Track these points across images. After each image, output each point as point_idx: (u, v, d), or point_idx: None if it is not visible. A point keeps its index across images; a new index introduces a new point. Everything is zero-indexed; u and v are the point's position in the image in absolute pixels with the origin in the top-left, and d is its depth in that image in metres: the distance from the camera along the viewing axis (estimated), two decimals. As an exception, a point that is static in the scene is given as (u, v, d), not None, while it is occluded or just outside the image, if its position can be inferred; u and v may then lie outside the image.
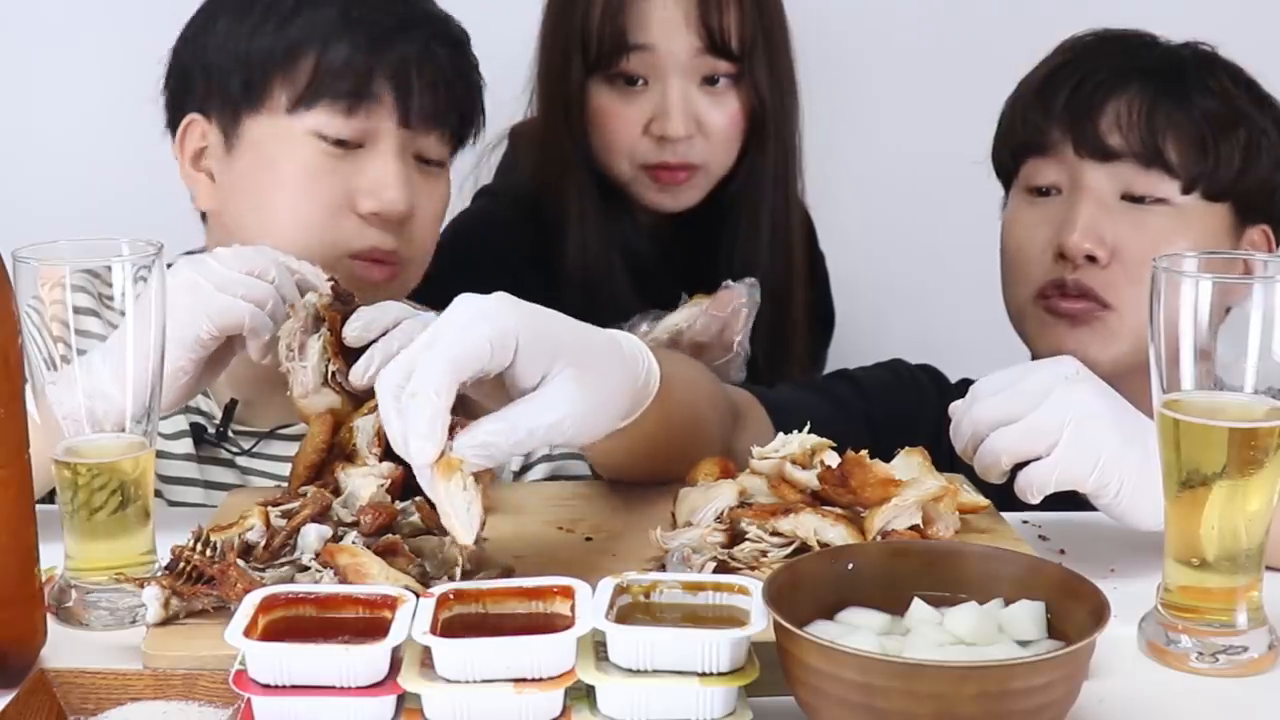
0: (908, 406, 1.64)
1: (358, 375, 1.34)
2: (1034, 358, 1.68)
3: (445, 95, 1.60)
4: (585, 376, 1.12)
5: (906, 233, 2.41)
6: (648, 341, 1.67)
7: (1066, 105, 1.60)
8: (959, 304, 2.07)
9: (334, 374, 1.34)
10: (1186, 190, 1.57)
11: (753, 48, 1.85)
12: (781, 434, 1.33)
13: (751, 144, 1.90)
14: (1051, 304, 1.62)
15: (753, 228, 1.92)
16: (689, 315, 1.77)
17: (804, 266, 1.99)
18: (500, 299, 1.12)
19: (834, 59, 2.28)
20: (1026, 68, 1.67)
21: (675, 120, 1.82)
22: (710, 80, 1.85)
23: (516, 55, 1.92)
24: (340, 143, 1.57)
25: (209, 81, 1.61)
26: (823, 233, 2.15)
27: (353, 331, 1.35)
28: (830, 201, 2.10)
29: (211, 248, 1.64)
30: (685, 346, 1.75)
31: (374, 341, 1.34)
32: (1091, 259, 1.58)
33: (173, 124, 1.65)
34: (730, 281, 1.81)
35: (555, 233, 1.90)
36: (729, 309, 1.76)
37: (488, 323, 1.09)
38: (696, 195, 1.89)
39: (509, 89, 1.91)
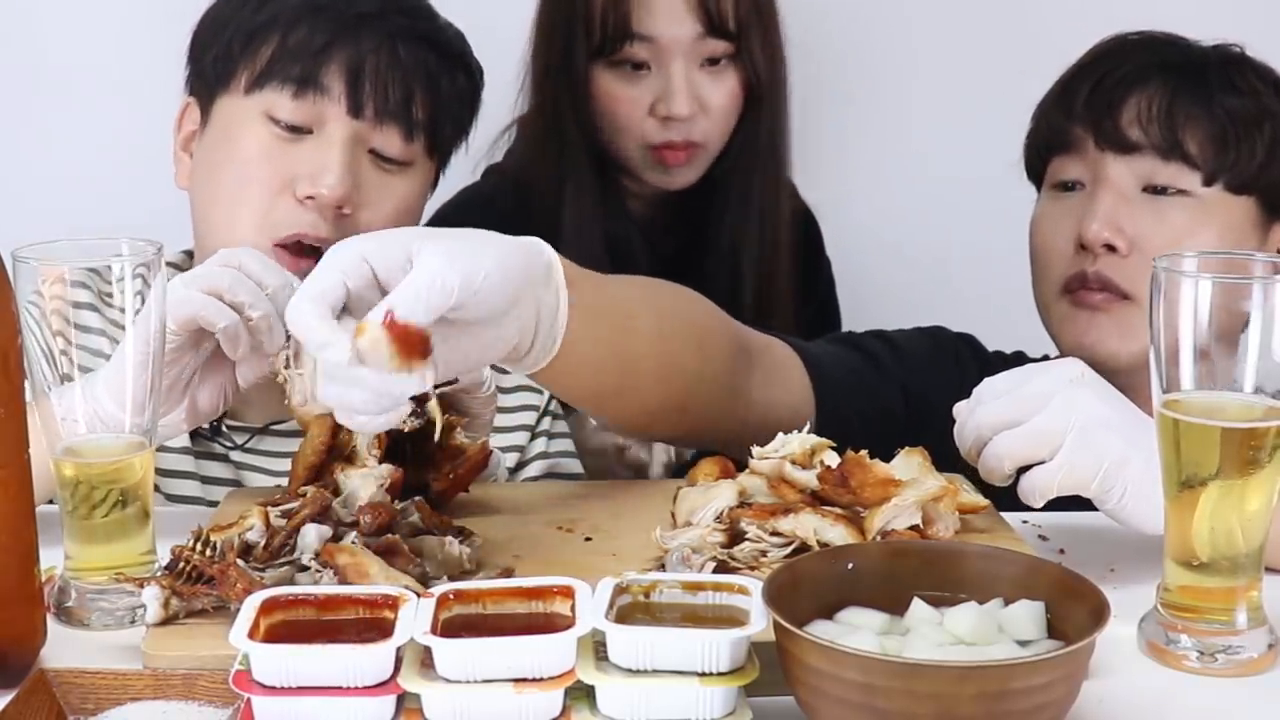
0: (945, 385, 1.61)
1: None
2: (1059, 351, 1.68)
3: (402, 92, 1.58)
4: (447, 239, 1.11)
5: (918, 232, 2.41)
6: None
7: (1088, 101, 1.61)
8: (970, 303, 2.07)
9: None
10: (1208, 182, 1.58)
11: (748, 24, 1.90)
12: (781, 434, 1.33)
13: (746, 118, 1.94)
14: (1075, 297, 1.62)
15: (744, 199, 1.97)
16: None
17: (790, 239, 2.03)
18: (354, 239, 1.12)
19: (844, 58, 2.28)
20: (1047, 68, 1.68)
21: (680, 101, 1.87)
22: (711, 61, 1.89)
23: (511, 43, 1.92)
24: (292, 128, 1.56)
25: (195, 63, 1.63)
26: (833, 232, 2.16)
27: None
28: (841, 200, 2.11)
29: (193, 230, 1.65)
30: None
31: None
32: (1111, 249, 1.58)
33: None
34: None
35: (544, 216, 1.92)
36: None
37: (337, 261, 1.10)
38: (695, 174, 1.95)
39: (505, 80, 1.92)
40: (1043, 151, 1.68)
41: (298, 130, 1.57)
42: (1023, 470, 1.27)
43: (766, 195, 1.97)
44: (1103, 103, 1.60)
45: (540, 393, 1.73)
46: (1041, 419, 1.25)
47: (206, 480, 1.60)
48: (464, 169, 1.80)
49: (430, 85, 1.60)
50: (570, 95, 1.90)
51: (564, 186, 1.92)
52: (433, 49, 1.61)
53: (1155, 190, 1.59)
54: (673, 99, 1.87)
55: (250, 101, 1.57)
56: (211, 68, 1.61)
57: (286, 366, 1.36)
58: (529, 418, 1.71)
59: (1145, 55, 1.63)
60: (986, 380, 1.33)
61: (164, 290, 1.20)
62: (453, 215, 2.00)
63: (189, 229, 1.66)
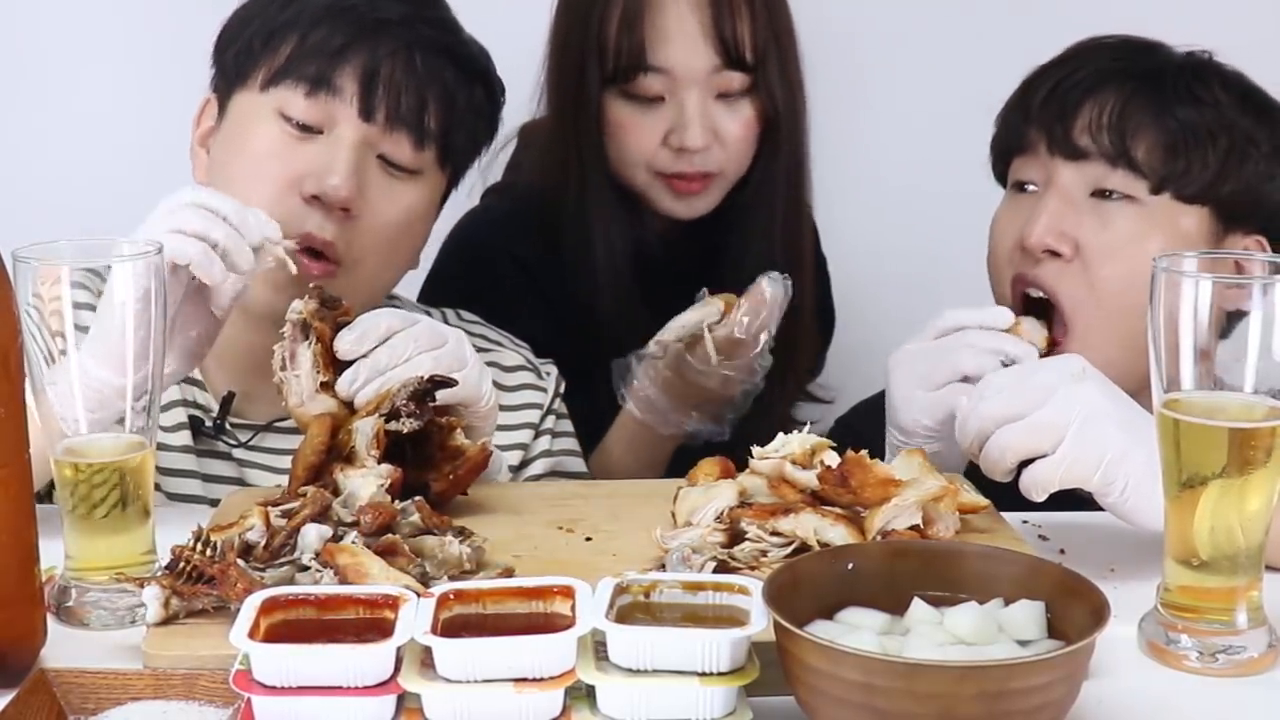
0: None
1: (344, 387, 1.35)
2: None
3: (415, 100, 1.58)
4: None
5: (907, 234, 2.40)
6: (655, 344, 1.66)
7: (1044, 105, 1.60)
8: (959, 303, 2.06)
9: (326, 382, 1.35)
10: (1156, 190, 1.55)
11: (765, 55, 1.84)
12: (781, 434, 1.33)
13: (764, 148, 1.89)
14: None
15: (765, 231, 1.91)
16: (706, 313, 1.68)
17: (812, 268, 1.98)
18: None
19: (836, 59, 2.27)
20: (1027, 72, 1.67)
21: (694, 132, 1.82)
22: (726, 93, 1.84)
23: (531, 53, 1.90)
24: (304, 127, 1.56)
25: (218, 60, 1.63)
26: (823, 233, 2.15)
27: (345, 344, 1.37)
28: (831, 201, 2.10)
29: None
30: (719, 343, 1.66)
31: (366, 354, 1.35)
32: (1054, 254, 1.57)
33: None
34: (765, 276, 1.71)
35: (565, 234, 1.90)
36: (764, 301, 1.66)
37: None
38: (711, 202, 1.89)
39: (523, 90, 1.90)
40: (1003, 153, 1.67)
41: (309, 130, 1.56)
42: (1024, 464, 1.27)
43: (789, 224, 1.92)
44: (1057, 108, 1.59)
45: (544, 390, 1.73)
46: (1043, 412, 1.26)
47: (208, 479, 1.60)
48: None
49: (445, 97, 1.60)
50: (581, 120, 1.85)
51: (587, 203, 1.89)
52: (452, 61, 1.61)
53: (1103, 195, 1.57)
54: (686, 131, 1.81)
55: (265, 98, 1.57)
56: (232, 63, 1.61)
57: (283, 368, 1.36)
58: (533, 416, 1.71)
59: (1107, 61, 1.61)
60: (988, 375, 1.33)
61: (165, 288, 1.20)
62: (469, 233, 1.96)
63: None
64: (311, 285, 1.39)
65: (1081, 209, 1.57)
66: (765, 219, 1.91)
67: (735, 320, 1.64)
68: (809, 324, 1.97)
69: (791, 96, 1.88)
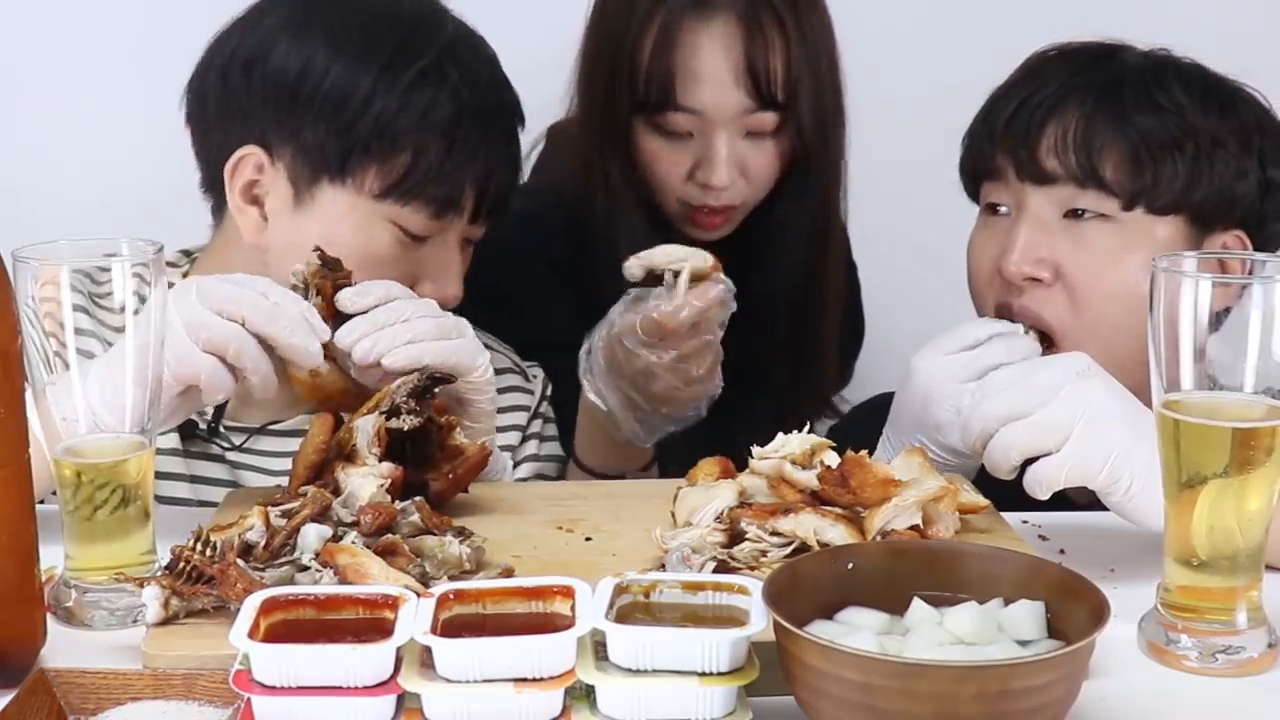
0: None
1: (343, 337, 1.36)
2: None
3: (505, 190, 1.63)
4: None
5: (905, 236, 2.40)
6: (633, 259, 1.50)
7: (1008, 130, 1.59)
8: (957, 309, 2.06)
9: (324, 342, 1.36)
10: (1128, 207, 1.54)
11: (797, 90, 1.79)
12: (781, 434, 1.33)
13: (789, 180, 1.86)
14: None
15: (784, 257, 1.88)
16: (689, 255, 1.51)
17: (837, 295, 1.94)
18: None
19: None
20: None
21: (720, 172, 1.79)
22: (757, 131, 1.81)
23: (558, 52, 1.90)
24: (418, 237, 1.58)
25: (296, 131, 1.55)
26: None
27: (347, 296, 1.38)
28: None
29: (214, 250, 1.65)
30: (644, 321, 1.49)
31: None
32: (1035, 280, 1.57)
33: (195, 116, 1.62)
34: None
35: (592, 237, 1.88)
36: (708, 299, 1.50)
37: None
38: (730, 228, 1.88)
39: (551, 89, 1.90)
40: (972, 176, 1.66)
41: (421, 238, 1.59)
42: (1028, 462, 1.27)
43: (811, 254, 1.89)
44: (1021, 131, 1.57)
45: (530, 393, 1.74)
46: (1049, 411, 1.25)
47: (196, 480, 1.60)
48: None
49: (515, 177, 1.68)
50: (611, 137, 1.83)
51: (614, 213, 1.86)
52: (516, 126, 1.66)
53: (1076, 216, 1.56)
54: (713, 170, 1.78)
55: (379, 206, 1.55)
56: (334, 157, 1.55)
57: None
58: (520, 418, 1.71)
59: (1067, 76, 1.59)
60: (992, 373, 1.33)
61: (164, 293, 1.20)
62: (501, 233, 1.96)
63: (182, 221, 1.65)
64: (313, 248, 1.39)
65: (1055, 231, 1.56)
66: (779, 248, 1.88)
67: (670, 309, 1.47)
68: (828, 347, 1.94)
69: (823, 127, 1.83)
